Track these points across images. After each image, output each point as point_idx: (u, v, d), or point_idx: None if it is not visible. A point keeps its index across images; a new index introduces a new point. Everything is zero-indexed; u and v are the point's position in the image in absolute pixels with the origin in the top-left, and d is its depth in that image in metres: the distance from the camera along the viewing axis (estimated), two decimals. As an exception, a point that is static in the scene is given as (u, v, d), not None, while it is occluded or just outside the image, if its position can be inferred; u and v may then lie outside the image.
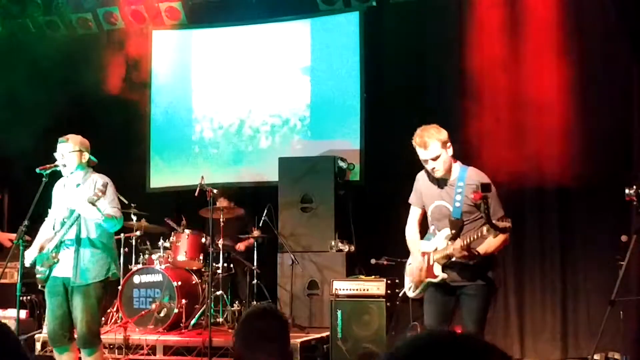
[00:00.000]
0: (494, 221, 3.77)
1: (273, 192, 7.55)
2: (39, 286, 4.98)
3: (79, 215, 4.69)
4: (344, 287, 6.09)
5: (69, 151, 4.83)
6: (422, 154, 4.15)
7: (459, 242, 3.95)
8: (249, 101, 8.48)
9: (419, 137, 4.14)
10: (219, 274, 7.03)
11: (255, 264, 7.20)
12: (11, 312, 6.50)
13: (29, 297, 6.90)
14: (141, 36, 8.67)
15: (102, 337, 5.06)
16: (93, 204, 4.58)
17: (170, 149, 8.77)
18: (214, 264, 6.91)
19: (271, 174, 7.79)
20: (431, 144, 4.09)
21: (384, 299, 5.93)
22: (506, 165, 6.18)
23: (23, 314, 6.67)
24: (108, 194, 4.74)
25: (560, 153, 6.50)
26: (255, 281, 7.15)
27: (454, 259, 4.08)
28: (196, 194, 6.69)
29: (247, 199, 7.92)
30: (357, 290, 6.04)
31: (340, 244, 7.10)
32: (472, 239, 3.90)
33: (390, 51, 7.91)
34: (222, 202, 7.47)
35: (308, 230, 7.28)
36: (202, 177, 6.69)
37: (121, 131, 8.46)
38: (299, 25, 8.39)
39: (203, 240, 7.19)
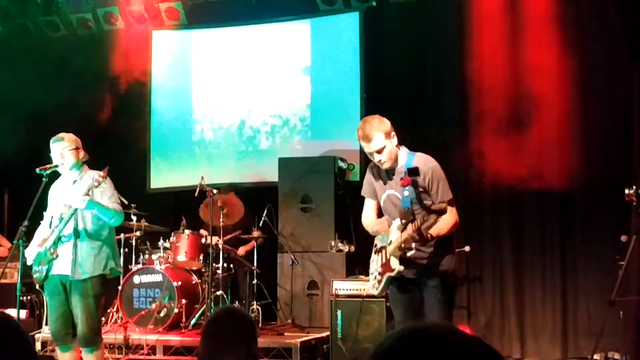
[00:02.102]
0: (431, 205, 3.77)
1: (273, 192, 7.56)
2: (36, 286, 4.98)
3: (75, 210, 4.69)
4: (344, 287, 6.09)
5: (68, 149, 4.85)
6: (365, 147, 4.08)
7: (410, 227, 3.84)
8: (249, 101, 8.48)
9: (361, 129, 4.04)
10: (219, 274, 7.03)
11: (255, 264, 7.20)
12: (11, 312, 6.49)
13: (29, 297, 6.90)
14: (141, 36, 8.67)
15: (102, 336, 5.06)
16: (89, 195, 4.61)
17: (171, 149, 8.76)
18: (214, 264, 6.92)
19: (271, 174, 7.79)
20: (374, 136, 4.00)
21: (384, 299, 5.92)
22: (507, 165, 6.19)
23: (23, 314, 6.66)
24: (107, 189, 4.75)
25: (560, 153, 6.50)
26: (255, 281, 7.14)
27: (411, 252, 3.97)
28: (196, 194, 6.68)
29: (247, 199, 7.91)
30: (357, 290, 6.04)
31: (340, 244, 7.10)
32: (421, 221, 3.79)
33: (390, 51, 7.90)
34: (231, 197, 7.48)
35: (308, 231, 7.28)
36: (202, 177, 6.69)
37: (121, 131, 8.45)
38: (299, 25, 8.38)
39: (203, 240, 7.20)
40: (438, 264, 4.06)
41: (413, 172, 3.88)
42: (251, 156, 8.44)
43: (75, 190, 4.78)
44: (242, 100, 8.50)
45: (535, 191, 6.71)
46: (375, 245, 4.34)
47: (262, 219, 7.23)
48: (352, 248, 7.12)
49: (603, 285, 6.15)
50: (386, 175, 4.17)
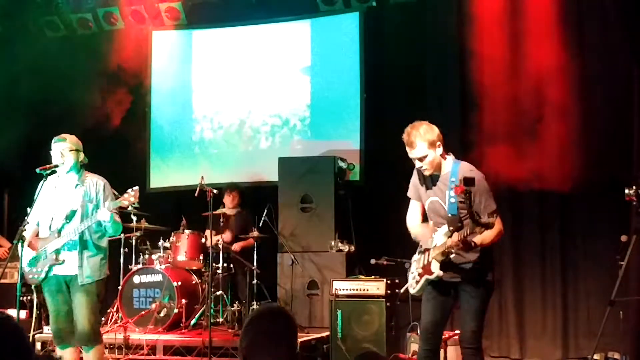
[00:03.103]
0: (482, 217, 3.76)
1: (273, 192, 7.56)
2: (32, 286, 4.98)
3: (93, 219, 4.72)
4: (344, 287, 6.10)
5: (68, 150, 4.85)
6: (408, 152, 4.13)
7: (456, 235, 3.88)
8: (249, 101, 8.49)
9: (407, 134, 4.10)
10: (219, 274, 7.03)
11: (255, 264, 7.19)
12: (11, 312, 6.48)
13: (29, 297, 6.89)
14: (141, 36, 8.67)
15: (102, 336, 5.06)
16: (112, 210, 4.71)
17: (170, 149, 8.77)
18: (214, 264, 6.91)
19: (271, 174, 7.79)
20: (418, 144, 4.05)
21: (384, 299, 5.93)
22: (507, 165, 6.19)
23: (23, 314, 6.67)
24: (110, 199, 4.76)
25: (560, 153, 6.50)
26: (255, 281, 7.14)
27: (452, 257, 4.02)
28: (196, 194, 6.68)
29: (247, 199, 7.92)
30: (357, 290, 6.05)
31: (340, 244, 7.10)
32: (467, 232, 3.83)
33: (390, 51, 7.90)
34: (235, 197, 7.48)
35: (308, 230, 7.28)
36: (202, 177, 6.69)
37: (121, 131, 8.46)
38: (299, 25, 8.39)
39: (202, 240, 7.20)
40: (482, 273, 4.11)
41: (469, 182, 3.84)
42: (251, 156, 8.44)
43: (79, 195, 4.82)
44: (242, 100, 8.51)
45: (535, 191, 6.70)
46: (420, 245, 4.35)
47: (262, 219, 7.23)
48: (352, 248, 7.12)
49: (603, 285, 6.15)
50: (430, 181, 4.20)
